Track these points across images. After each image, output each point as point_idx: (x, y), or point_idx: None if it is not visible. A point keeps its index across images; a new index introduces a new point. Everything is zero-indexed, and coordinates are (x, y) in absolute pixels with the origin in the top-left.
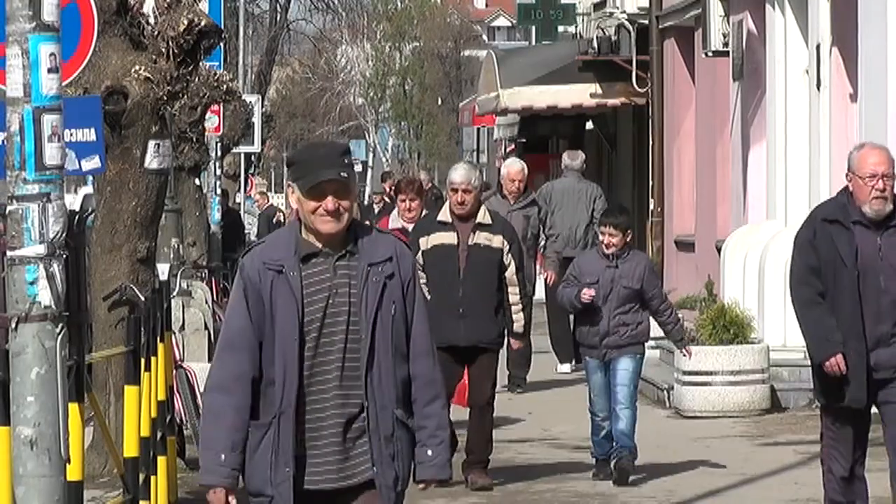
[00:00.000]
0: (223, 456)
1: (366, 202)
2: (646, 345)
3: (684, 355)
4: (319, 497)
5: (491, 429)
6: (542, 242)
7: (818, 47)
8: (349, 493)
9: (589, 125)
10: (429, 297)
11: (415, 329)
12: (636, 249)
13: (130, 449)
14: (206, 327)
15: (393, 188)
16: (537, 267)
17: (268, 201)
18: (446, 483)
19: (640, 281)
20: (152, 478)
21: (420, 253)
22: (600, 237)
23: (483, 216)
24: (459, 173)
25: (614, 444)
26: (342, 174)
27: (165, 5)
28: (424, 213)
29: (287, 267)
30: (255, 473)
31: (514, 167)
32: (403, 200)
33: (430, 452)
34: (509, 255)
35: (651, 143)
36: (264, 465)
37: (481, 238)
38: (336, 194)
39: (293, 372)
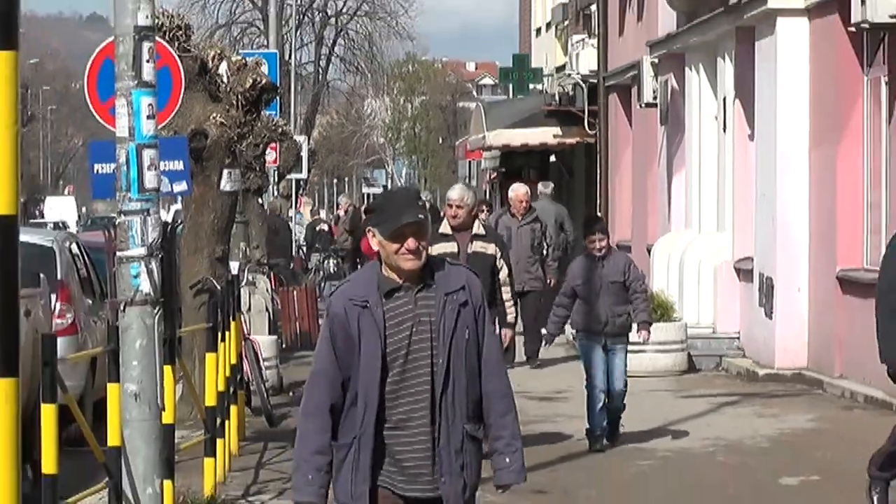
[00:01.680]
0: (310, 476)
1: None
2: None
3: (640, 334)
4: (407, 501)
5: None
6: (545, 251)
7: (724, 99)
8: (432, 501)
9: (552, 158)
10: None
11: (486, 349)
12: (615, 249)
13: (210, 400)
14: (267, 309)
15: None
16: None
17: (313, 215)
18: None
19: (623, 274)
20: (226, 421)
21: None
22: (590, 244)
23: (478, 228)
24: (455, 192)
25: (605, 422)
26: (420, 216)
27: (236, 68)
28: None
29: (371, 303)
30: (339, 488)
31: (520, 191)
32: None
33: (507, 460)
34: (501, 261)
35: (598, 171)
36: (346, 480)
37: (478, 246)
38: (415, 235)
39: (374, 398)
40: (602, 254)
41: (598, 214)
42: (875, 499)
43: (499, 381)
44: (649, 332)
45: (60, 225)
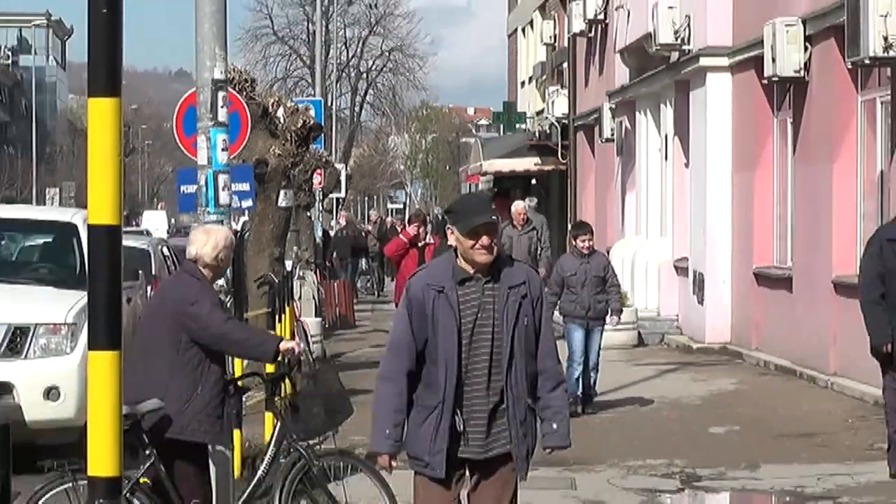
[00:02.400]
0: (388, 431)
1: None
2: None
3: (611, 318)
4: (466, 464)
5: None
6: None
7: (666, 136)
8: (487, 462)
9: (533, 181)
10: None
11: (542, 335)
12: (597, 249)
13: (270, 368)
14: (313, 297)
15: (414, 218)
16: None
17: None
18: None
19: (603, 270)
20: (282, 384)
21: None
22: (578, 243)
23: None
24: (520, 204)
25: (580, 389)
26: (493, 218)
27: (290, 112)
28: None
29: (447, 288)
30: (417, 442)
31: (520, 206)
32: (414, 224)
33: (555, 426)
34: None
35: (569, 191)
36: (426, 437)
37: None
38: (488, 233)
39: (453, 369)
40: (588, 252)
41: (586, 221)
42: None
43: (551, 361)
44: (619, 318)
45: (148, 232)
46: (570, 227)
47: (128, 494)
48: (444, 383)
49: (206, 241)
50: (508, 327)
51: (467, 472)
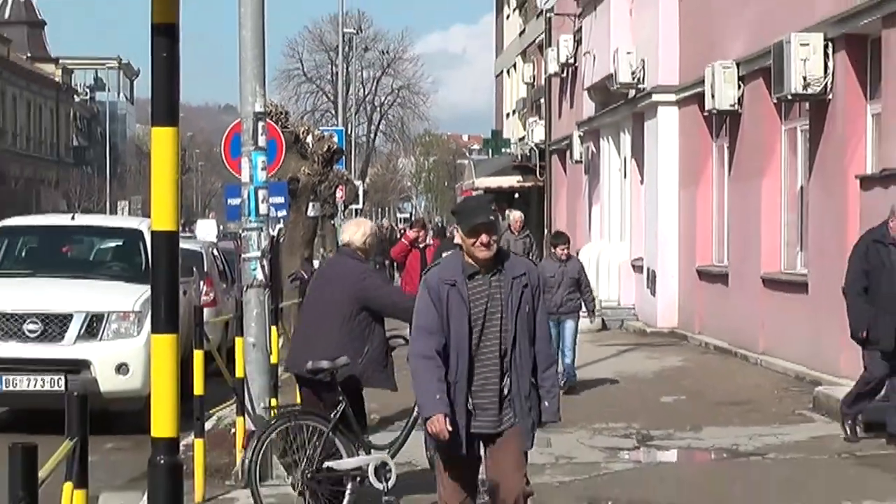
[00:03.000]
0: (438, 396)
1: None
2: (579, 312)
3: (589, 318)
4: (481, 437)
5: None
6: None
7: (625, 158)
8: (500, 435)
9: (516, 195)
10: None
11: (538, 321)
12: (572, 256)
13: None
14: None
15: (414, 224)
16: None
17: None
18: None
19: (578, 273)
20: None
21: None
22: (557, 251)
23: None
24: (515, 214)
25: (562, 372)
26: (490, 218)
27: (317, 139)
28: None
29: (458, 282)
30: None
31: (516, 215)
32: (414, 228)
33: (547, 403)
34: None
35: (545, 204)
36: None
37: None
38: (487, 232)
39: (464, 354)
40: (565, 258)
41: (564, 231)
42: (848, 428)
43: (545, 344)
44: (594, 317)
45: (193, 233)
46: (547, 234)
47: (330, 433)
48: (456, 366)
49: (357, 230)
50: (513, 313)
51: (482, 446)
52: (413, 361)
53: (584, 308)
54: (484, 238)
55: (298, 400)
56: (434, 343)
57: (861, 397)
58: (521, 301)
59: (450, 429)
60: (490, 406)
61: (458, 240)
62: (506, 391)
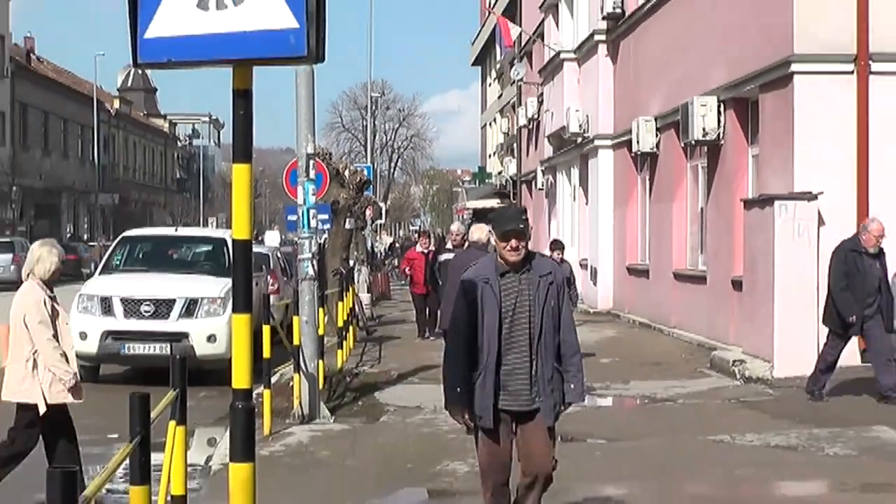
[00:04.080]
0: (459, 389)
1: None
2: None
3: (573, 306)
4: (511, 414)
5: None
6: None
7: (575, 187)
8: (530, 413)
9: None
10: (442, 283)
11: (563, 314)
12: (566, 260)
13: (339, 323)
14: (366, 281)
15: (421, 234)
16: None
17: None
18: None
19: (570, 273)
20: (347, 333)
21: (439, 263)
22: (554, 255)
23: (466, 244)
24: (454, 226)
25: None
26: (520, 226)
27: (352, 172)
28: (434, 247)
29: (491, 280)
30: (473, 398)
31: (456, 227)
32: (421, 239)
33: (572, 386)
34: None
35: None
36: (477, 393)
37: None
38: (517, 238)
39: (494, 343)
40: (559, 261)
41: (560, 239)
42: (815, 398)
43: (571, 334)
44: (574, 307)
45: (262, 241)
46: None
47: None
48: (486, 352)
49: (481, 233)
50: (539, 308)
51: (513, 422)
52: (445, 358)
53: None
54: (514, 243)
55: (339, 361)
56: (463, 340)
57: (823, 373)
58: (546, 297)
59: (468, 421)
60: (521, 388)
61: (494, 242)
62: (534, 375)
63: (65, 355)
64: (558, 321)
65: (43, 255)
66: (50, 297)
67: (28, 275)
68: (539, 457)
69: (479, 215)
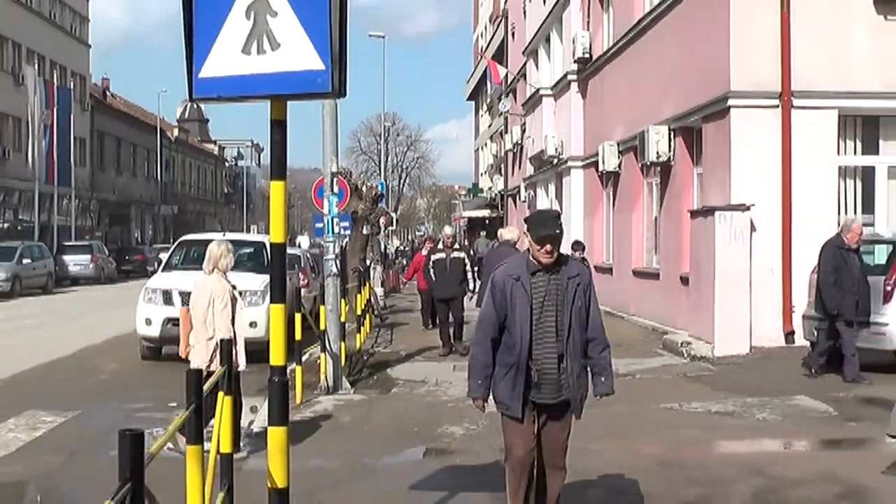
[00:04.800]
0: (480, 381)
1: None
2: None
3: None
4: (540, 406)
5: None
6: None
7: (552, 199)
8: (555, 406)
9: (487, 222)
10: (434, 278)
11: (592, 312)
12: (585, 258)
13: (358, 311)
14: (380, 278)
15: (426, 239)
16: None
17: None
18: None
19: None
20: (364, 320)
21: (432, 262)
22: (575, 254)
23: (454, 245)
24: (447, 230)
25: None
26: (556, 231)
27: (368, 188)
28: (430, 247)
29: (522, 278)
30: (500, 390)
31: (504, 232)
32: (426, 243)
33: (603, 379)
34: (467, 261)
35: (503, 227)
36: (507, 387)
37: (455, 254)
38: (551, 242)
39: (526, 337)
40: (580, 261)
41: (581, 240)
42: (814, 371)
43: (600, 331)
44: None
45: (299, 245)
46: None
47: None
48: (518, 348)
49: (512, 234)
50: (567, 307)
51: (537, 412)
52: (472, 348)
53: None
54: (548, 247)
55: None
56: (487, 333)
57: (821, 355)
58: (574, 297)
59: (487, 406)
60: (550, 381)
61: (527, 244)
62: (561, 370)
63: (235, 334)
64: (586, 320)
65: (224, 253)
66: (232, 286)
67: (213, 269)
68: (555, 452)
69: (473, 222)
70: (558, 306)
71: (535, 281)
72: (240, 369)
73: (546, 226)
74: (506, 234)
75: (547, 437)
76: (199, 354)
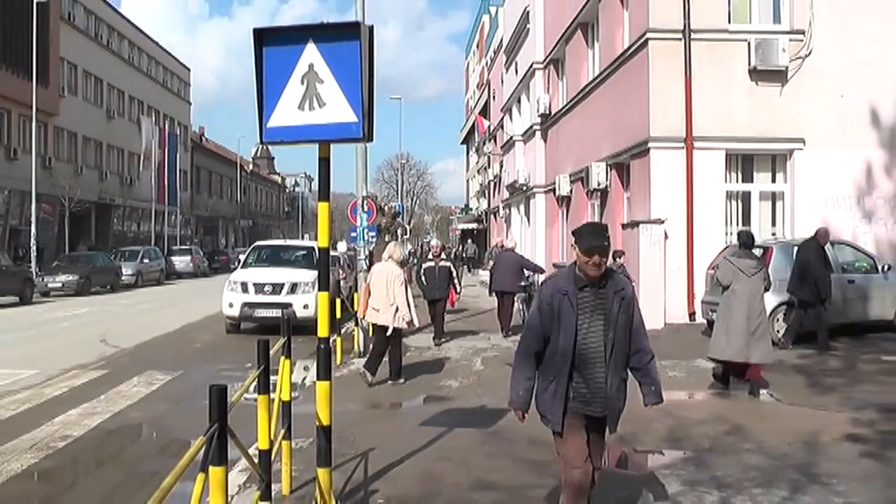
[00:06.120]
0: (521, 392)
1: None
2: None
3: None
4: (584, 418)
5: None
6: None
7: (522, 217)
8: (600, 419)
9: (475, 232)
10: (426, 284)
11: (636, 324)
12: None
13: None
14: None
15: (428, 247)
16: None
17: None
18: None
19: (518, 264)
20: None
21: (423, 269)
22: (619, 260)
23: (442, 254)
24: (433, 241)
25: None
26: (605, 243)
27: (388, 207)
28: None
29: (570, 293)
30: (542, 401)
31: (498, 239)
32: (433, 249)
33: (652, 388)
34: (453, 269)
35: (487, 237)
36: (548, 400)
37: (442, 263)
38: (599, 254)
39: (569, 355)
40: (619, 267)
41: (622, 249)
42: (784, 341)
43: (644, 341)
44: None
45: (338, 249)
46: (493, 246)
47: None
48: (560, 363)
49: (514, 244)
50: (613, 322)
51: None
52: (515, 359)
53: None
54: (596, 259)
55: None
56: (533, 345)
57: (794, 332)
58: (619, 312)
59: (527, 416)
60: (593, 397)
61: (574, 256)
62: (605, 386)
63: (408, 304)
64: (629, 333)
65: (399, 249)
66: (404, 273)
67: (388, 258)
68: (594, 456)
69: (465, 232)
70: (605, 322)
71: (582, 296)
72: (414, 325)
73: (595, 237)
74: (508, 243)
75: (592, 440)
76: (385, 315)
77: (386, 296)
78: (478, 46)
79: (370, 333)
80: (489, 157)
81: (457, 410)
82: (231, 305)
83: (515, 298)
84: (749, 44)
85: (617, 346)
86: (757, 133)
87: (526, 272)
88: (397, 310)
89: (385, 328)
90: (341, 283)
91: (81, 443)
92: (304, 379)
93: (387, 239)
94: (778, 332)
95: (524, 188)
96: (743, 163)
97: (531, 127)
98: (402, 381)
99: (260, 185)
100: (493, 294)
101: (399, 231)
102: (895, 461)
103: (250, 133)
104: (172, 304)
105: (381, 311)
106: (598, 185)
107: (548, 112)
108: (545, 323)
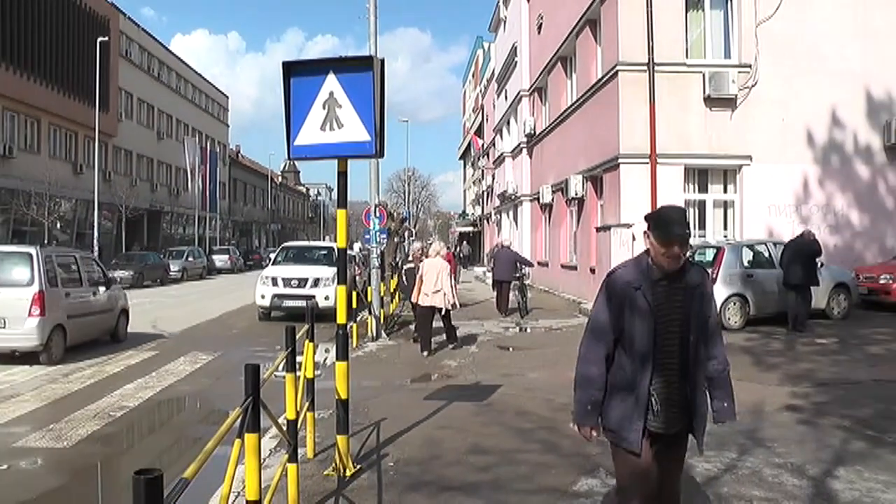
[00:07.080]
0: (589, 407)
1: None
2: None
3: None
4: (654, 437)
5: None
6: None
7: (511, 222)
8: (671, 437)
9: (470, 235)
10: (406, 284)
11: (711, 325)
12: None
13: (392, 290)
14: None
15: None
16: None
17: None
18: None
19: (514, 259)
20: (395, 296)
21: (404, 271)
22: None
23: (436, 255)
24: (415, 244)
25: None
26: (686, 232)
27: (398, 214)
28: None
29: (643, 287)
30: (613, 416)
31: (503, 238)
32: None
33: (725, 405)
34: (448, 267)
35: (481, 240)
36: (622, 413)
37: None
38: (679, 245)
39: (648, 358)
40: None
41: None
42: (798, 328)
43: (719, 347)
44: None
45: (354, 248)
46: (491, 249)
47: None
48: (639, 370)
49: (511, 241)
50: (692, 321)
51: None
52: (579, 365)
53: None
54: (676, 250)
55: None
56: (601, 350)
57: (806, 317)
58: (699, 309)
59: (597, 435)
60: (670, 409)
61: (646, 244)
62: (682, 395)
63: (453, 290)
64: (706, 335)
65: (442, 246)
66: (447, 263)
67: (437, 254)
68: (671, 491)
69: (462, 235)
70: (682, 321)
71: (656, 291)
72: (457, 307)
73: (675, 223)
74: (505, 241)
75: (662, 471)
76: (436, 299)
77: (435, 283)
78: (473, 76)
79: (381, 320)
80: (483, 171)
81: (455, 386)
82: (263, 297)
83: (511, 287)
84: (704, 75)
85: (698, 349)
86: (711, 151)
87: (519, 265)
88: (444, 295)
89: (433, 309)
90: (357, 278)
91: (136, 412)
92: (325, 359)
93: (395, 240)
94: (728, 319)
95: (513, 197)
96: (699, 176)
97: (519, 145)
98: (457, 343)
99: (287, 195)
100: (494, 284)
101: (406, 234)
102: (826, 427)
103: (279, 150)
104: (213, 296)
105: (432, 296)
106: (576, 194)
107: (533, 132)
108: (615, 320)
